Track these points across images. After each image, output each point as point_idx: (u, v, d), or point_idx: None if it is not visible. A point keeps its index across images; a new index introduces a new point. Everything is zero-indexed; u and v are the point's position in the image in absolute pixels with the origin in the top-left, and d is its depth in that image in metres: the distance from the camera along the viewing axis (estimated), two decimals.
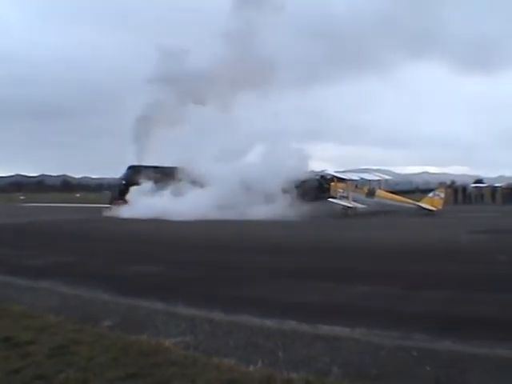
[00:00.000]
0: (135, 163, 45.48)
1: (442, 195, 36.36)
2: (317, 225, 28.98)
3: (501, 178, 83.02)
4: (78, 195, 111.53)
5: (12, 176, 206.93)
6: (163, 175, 40.12)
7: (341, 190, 37.51)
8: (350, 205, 36.10)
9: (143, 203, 36.90)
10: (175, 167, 39.19)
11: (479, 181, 72.25)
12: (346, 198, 36.76)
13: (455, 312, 8.54)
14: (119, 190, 44.58)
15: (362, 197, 37.46)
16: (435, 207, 35.00)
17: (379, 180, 41.09)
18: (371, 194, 37.78)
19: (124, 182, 44.58)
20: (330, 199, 36.36)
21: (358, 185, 38.73)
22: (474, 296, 9.77)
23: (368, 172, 44.19)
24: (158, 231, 27.03)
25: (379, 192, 38.01)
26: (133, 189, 40.63)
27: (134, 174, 42.89)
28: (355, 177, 39.43)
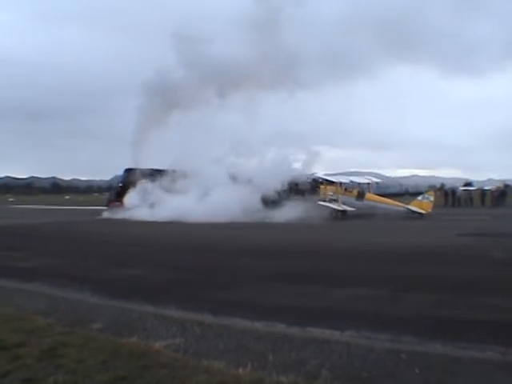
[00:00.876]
0: (132, 166, 45.54)
1: (432, 198, 36.50)
2: (307, 228, 28.99)
3: (490, 181, 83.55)
4: (67, 197, 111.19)
5: (1, 178, 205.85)
6: (160, 177, 40.31)
7: (330, 193, 37.58)
8: (339, 208, 36.18)
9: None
10: (172, 169, 39.73)
11: (468, 184, 72.54)
12: (336, 200, 36.83)
13: (444, 315, 8.58)
14: (116, 192, 45.19)
15: (352, 200, 37.54)
16: (425, 210, 35.12)
17: (369, 183, 41.20)
18: (361, 196, 37.87)
19: (121, 185, 45.10)
20: (320, 202, 36.41)
21: (347, 188, 38.78)
22: (463, 299, 9.82)
23: (358, 175, 44.27)
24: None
25: (369, 195, 38.12)
26: (134, 190, 40.97)
27: (131, 176, 43.16)
28: (345, 180, 39.46)
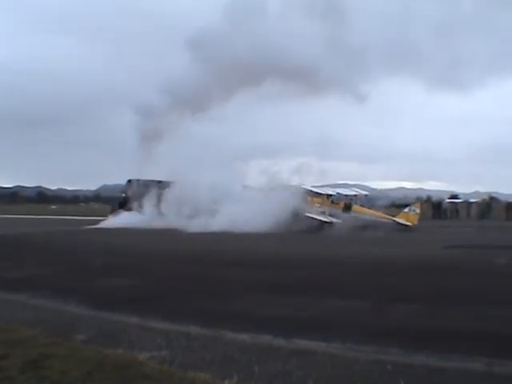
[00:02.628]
0: (135, 177, 46.62)
1: (418, 210, 36.74)
2: (294, 239, 29.03)
3: (476, 193, 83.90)
4: (53, 207, 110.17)
5: None
6: (162, 189, 41.34)
7: (317, 205, 37.65)
8: (326, 219, 36.24)
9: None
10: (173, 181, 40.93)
11: (454, 196, 72.96)
12: (323, 212, 36.90)
13: (429, 326, 8.63)
14: (119, 203, 46.38)
15: (339, 212, 37.64)
16: (411, 222, 35.34)
17: (356, 195, 41.31)
18: (347, 208, 37.98)
19: (124, 195, 46.56)
20: (306, 214, 36.48)
21: (334, 200, 38.87)
22: (448, 310, 9.89)
23: (345, 187, 44.44)
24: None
25: (356, 207, 38.24)
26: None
27: (134, 187, 44.73)
28: (331, 191, 39.57)
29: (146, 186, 43.20)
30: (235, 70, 44.29)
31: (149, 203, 41.27)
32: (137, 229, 35.15)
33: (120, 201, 46.44)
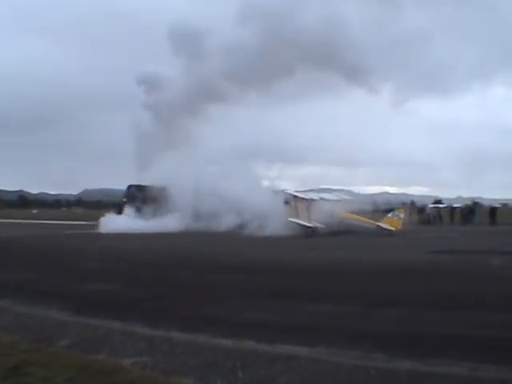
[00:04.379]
0: (135, 182, 47.64)
1: (402, 216, 36.84)
2: (278, 244, 29.06)
3: (459, 198, 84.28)
4: (34, 211, 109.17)
5: None
6: (162, 195, 41.92)
7: (301, 210, 37.62)
8: (309, 224, 36.22)
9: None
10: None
11: (438, 201, 73.26)
12: (306, 217, 36.86)
13: (414, 331, 8.69)
14: (119, 208, 47.23)
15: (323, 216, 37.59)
16: (395, 227, 35.43)
17: (339, 200, 41.26)
18: (331, 213, 37.91)
19: (124, 200, 47.38)
20: (290, 219, 36.48)
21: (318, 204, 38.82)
22: (433, 315, 9.95)
23: (328, 191, 44.45)
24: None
25: (339, 212, 38.17)
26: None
27: (134, 192, 45.81)
28: (315, 196, 39.52)
29: (146, 191, 44.21)
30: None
31: (151, 208, 42.05)
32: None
33: (121, 206, 47.10)
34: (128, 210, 43.81)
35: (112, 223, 40.56)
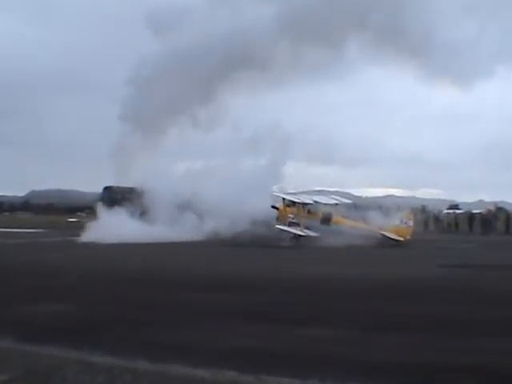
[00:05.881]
0: (112, 183, 48.68)
1: (411, 223, 36.56)
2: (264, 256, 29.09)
3: (480, 202, 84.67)
4: None
5: None
6: (138, 196, 42.35)
7: (291, 216, 37.56)
8: (301, 233, 36.13)
9: None
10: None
11: (454, 206, 73.48)
12: (297, 224, 36.80)
13: (415, 359, 8.74)
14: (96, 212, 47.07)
15: (316, 223, 37.47)
16: (403, 237, 35.18)
17: (336, 204, 41.15)
18: (327, 220, 37.74)
19: (101, 203, 46.67)
20: (277, 226, 36.53)
21: (311, 209, 38.75)
22: (438, 341, 10.01)
23: (323, 194, 44.49)
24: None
25: (336, 218, 37.99)
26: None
27: (111, 194, 47.12)
28: (308, 200, 39.36)
29: (122, 193, 45.38)
30: None
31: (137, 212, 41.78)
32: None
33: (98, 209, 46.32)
34: (121, 214, 42.43)
35: (104, 230, 39.64)
